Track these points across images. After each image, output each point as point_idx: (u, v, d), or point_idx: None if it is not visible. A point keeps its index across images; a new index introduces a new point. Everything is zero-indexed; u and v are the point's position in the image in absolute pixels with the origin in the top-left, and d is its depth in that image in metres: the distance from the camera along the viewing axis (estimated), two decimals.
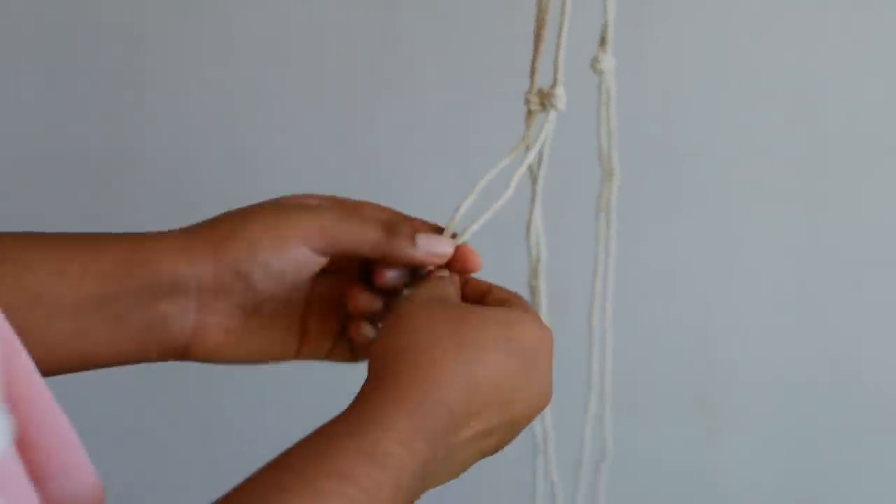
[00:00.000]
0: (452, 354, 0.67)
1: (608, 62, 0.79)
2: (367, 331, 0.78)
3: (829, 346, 1.26)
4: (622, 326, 1.27)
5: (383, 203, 0.81)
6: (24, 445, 0.56)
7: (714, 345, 1.27)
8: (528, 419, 0.71)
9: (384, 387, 0.66)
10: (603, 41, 0.78)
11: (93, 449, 0.64)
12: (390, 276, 0.76)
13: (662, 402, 1.28)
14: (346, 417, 0.64)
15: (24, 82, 1.24)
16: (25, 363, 0.56)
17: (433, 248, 0.75)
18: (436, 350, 0.67)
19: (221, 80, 1.24)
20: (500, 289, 0.75)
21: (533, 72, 0.75)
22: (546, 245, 0.82)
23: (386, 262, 0.76)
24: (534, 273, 0.82)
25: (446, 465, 0.67)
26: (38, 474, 0.57)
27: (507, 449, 0.72)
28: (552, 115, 0.75)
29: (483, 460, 0.70)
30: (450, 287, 0.74)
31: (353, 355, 0.79)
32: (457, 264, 0.76)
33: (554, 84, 0.75)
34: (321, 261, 0.75)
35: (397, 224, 0.74)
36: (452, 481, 0.69)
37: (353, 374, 0.74)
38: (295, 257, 0.74)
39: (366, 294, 0.77)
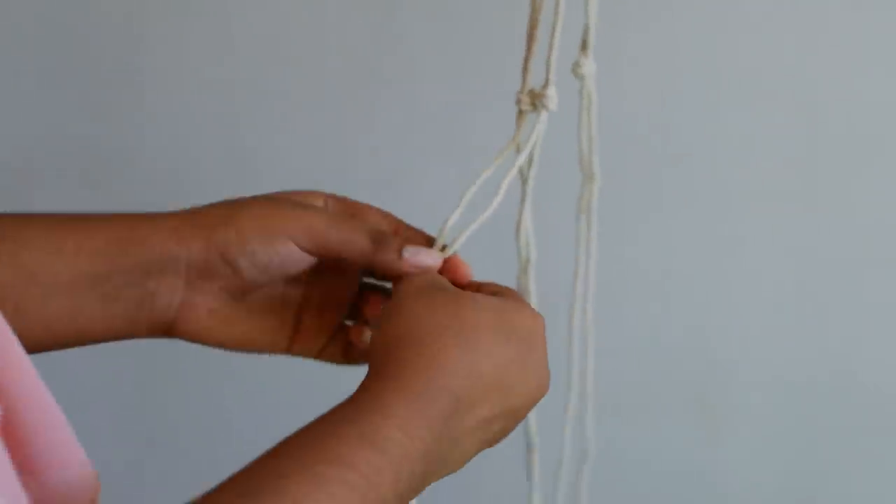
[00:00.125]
0: (454, 341, 0.67)
1: (589, 66, 0.79)
2: (368, 336, 0.79)
3: (829, 345, 1.26)
4: (622, 326, 1.27)
5: (383, 203, 0.81)
6: (12, 432, 0.56)
7: (714, 345, 1.27)
8: (527, 407, 0.71)
9: (385, 375, 0.66)
10: (584, 45, 0.78)
11: (92, 447, 0.64)
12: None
13: (662, 402, 1.28)
14: (347, 405, 0.64)
15: (24, 82, 1.24)
16: (17, 352, 0.57)
17: (420, 261, 0.75)
18: (437, 337, 0.67)
19: (221, 80, 1.24)
20: (491, 283, 0.75)
21: (525, 72, 0.75)
22: (535, 245, 0.82)
23: (374, 270, 0.77)
24: (523, 273, 0.82)
25: (449, 454, 0.67)
26: (27, 462, 0.57)
27: (500, 447, 0.72)
28: (544, 115, 0.75)
29: (474, 460, 0.70)
30: (439, 277, 0.74)
31: (345, 357, 0.80)
32: (447, 275, 0.76)
33: (546, 84, 0.75)
34: (309, 259, 0.75)
35: (386, 236, 0.75)
36: (446, 482, 0.69)
37: (355, 374, 0.74)
38: (281, 252, 0.74)
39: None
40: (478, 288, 0.75)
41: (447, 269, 0.76)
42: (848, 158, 1.21)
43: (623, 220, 1.24)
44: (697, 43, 1.19)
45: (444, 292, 0.70)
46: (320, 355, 0.79)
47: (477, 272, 0.77)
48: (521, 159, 0.75)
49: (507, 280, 0.81)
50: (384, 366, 0.67)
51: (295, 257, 0.74)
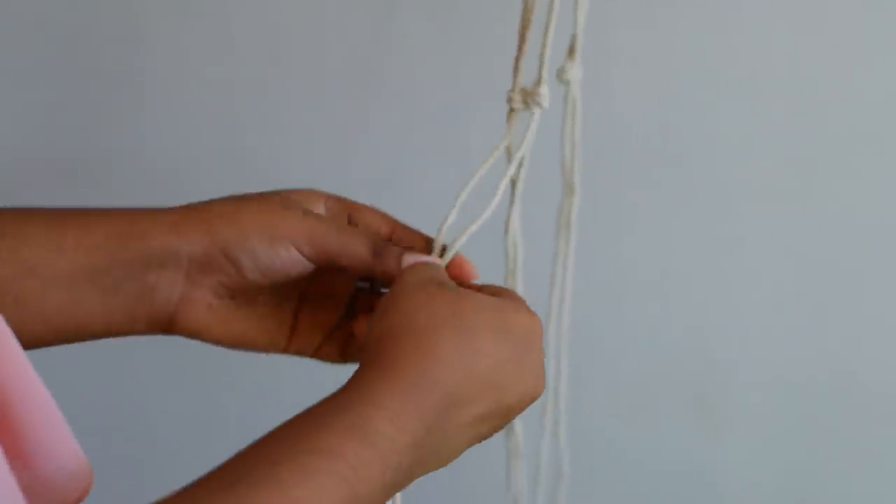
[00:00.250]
0: (451, 335, 0.67)
1: (575, 71, 0.79)
2: None
3: (829, 345, 1.25)
4: (621, 326, 1.27)
5: (383, 203, 0.81)
6: (7, 424, 0.57)
7: (713, 345, 1.27)
8: (521, 407, 0.71)
9: (380, 365, 0.66)
10: (572, 51, 0.78)
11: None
12: None
13: (661, 402, 1.28)
14: (339, 395, 0.65)
15: (24, 82, 1.24)
16: (11, 344, 0.57)
17: None
18: (435, 330, 0.67)
19: (221, 80, 1.24)
20: (492, 285, 0.75)
21: (516, 70, 0.75)
22: (523, 248, 0.82)
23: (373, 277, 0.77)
24: (511, 275, 0.82)
25: (439, 448, 0.67)
26: (20, 453, 0.57)
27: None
28: (536, 113, 0.75)
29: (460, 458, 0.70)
30: (443, 272, 0.75)
31: (342, 356, 0.80)
32: (453, 274, 0.76)
33: (539, 82, 0.75)
34: (310, 266, 0.75)
35: (386, 246, 0.75)
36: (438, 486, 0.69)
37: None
38: (282, 255, 0.75)
39: None
40: (478, 289, 0.75)
41: (452, 268, 0.77)
42: (847, 158, 1.21)
43: (622, 219, 1.24)
44: (696, 42, 1.19)
45: (444, 288, 0.70)
46: (317, 354, 0.79)
47: None
48: (517, 159, 0.75)
49: (495, 282, 0.81)
50: (379, 356, 0.67)
51: (295, 261, 0.75)
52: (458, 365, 0.67)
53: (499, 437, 0.75)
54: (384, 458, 0.62)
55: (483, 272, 0.79)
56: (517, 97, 0.75)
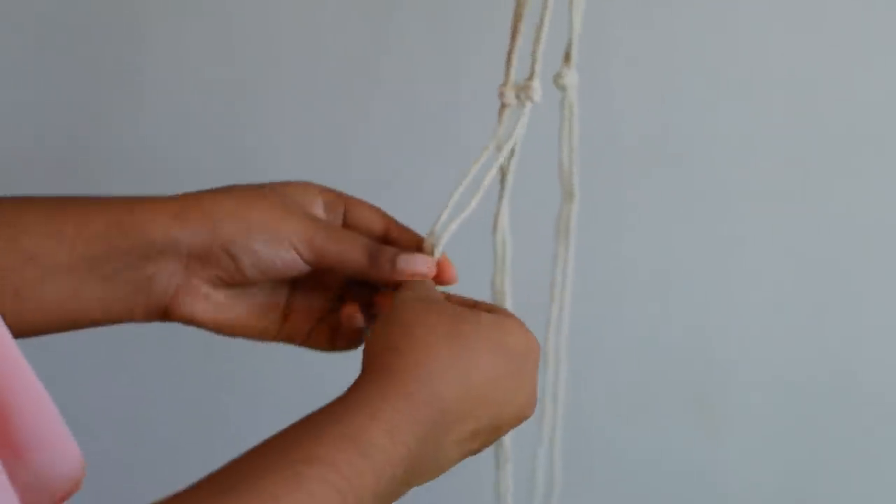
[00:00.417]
0: (448, 350, 0.68)
1: (571, 77, 0.79)
2: (359, 319, 0.80)
3: (829, 345, 1.25)
4: (621, 326, 1.27)
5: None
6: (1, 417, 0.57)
7: (713, 345, 1.27)
8: (512, 425, 0.72)
9: (376, 378, 0.66)
10: (567, 56, 0.78)
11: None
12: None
13: (661, 402, 1.28)
14: (335, 404, 0.65)
15: (25, 81, 1.24)
16: (3, 334, 0.57)
17: (414, 269, 0.76)
18: (432, 344, 0.68)
19: (221, 80, 1.25)
20: (486, 303, 0.76)
21: (508, 66, 0.75)
22: (511, 244, 0.82)
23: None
24: (499, 273, 0.82)
25: (432, 462, 0.67)
26: (11, 444, 0.57)
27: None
28: (528, 108, 0.75)
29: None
30: (435, 289, 0.76)
31: (330, 343, 0.81)
32: (435, 276, 0.77)
33: (531, 76, 0.75)
34: (306, 267, 0.77)
35: (381, 249, 0.76)
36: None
37: (355, 372, 0.75)
38: (283, 257, 0.76)
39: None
40: (474, 305, 0.75)
41: (438, 266, 0.78)
42: (847, 158, 1.21)
43: (622, 219, 1.24)
44: (695, 42, 1.19)
45: (442, 305, 0.71)
46: (306, 341, 0.80)
47: (460, 271, 0.78)
48: (507, 148, 0.75)
49: (485, 279, 0.81)
50: (377, 369, 0.67)
51: (294, 262, 0.76)
52: (456, 380, 0.67)
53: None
54: (377, 470, 0.62)
55: (474, 270, 0.79)
56: (509, 92, 0.75)
